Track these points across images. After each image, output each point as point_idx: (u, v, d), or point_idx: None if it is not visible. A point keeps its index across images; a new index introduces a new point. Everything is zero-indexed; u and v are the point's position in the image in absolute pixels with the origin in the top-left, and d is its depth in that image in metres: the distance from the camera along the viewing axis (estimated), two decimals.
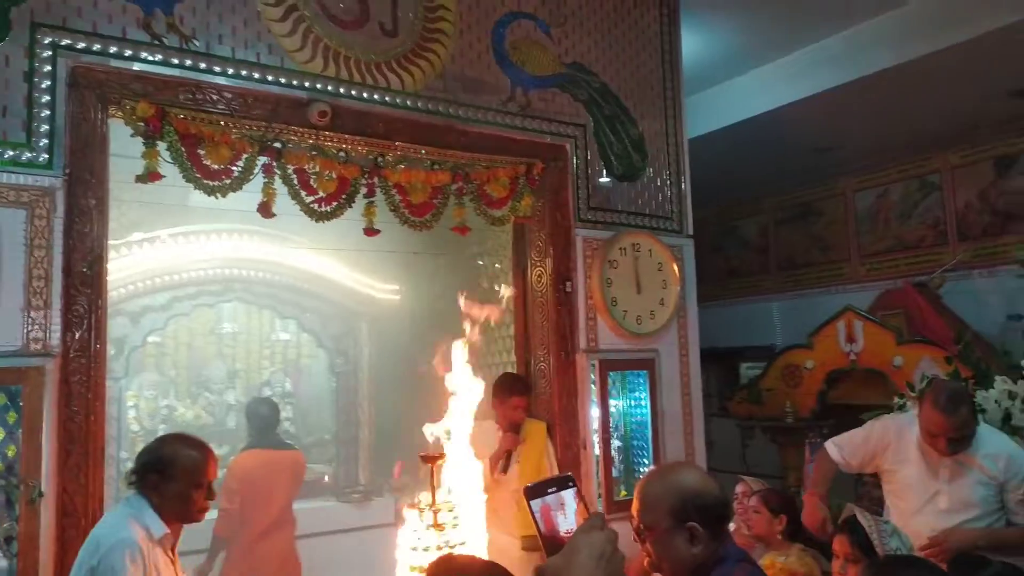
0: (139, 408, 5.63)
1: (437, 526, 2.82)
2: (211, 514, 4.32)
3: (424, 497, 2.87)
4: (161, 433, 4.19)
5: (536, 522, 1.48)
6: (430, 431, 2.90)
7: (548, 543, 1.45)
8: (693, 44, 5.29)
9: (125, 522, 2.42)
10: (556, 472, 4.13)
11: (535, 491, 1.50)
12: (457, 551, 2.76)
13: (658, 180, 4.81)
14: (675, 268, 4.68)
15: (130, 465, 2.69)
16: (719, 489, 1.82)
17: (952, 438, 3.12)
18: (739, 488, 3.90)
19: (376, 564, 4.55)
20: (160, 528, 2.48)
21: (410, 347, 5.92)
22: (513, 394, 4.08)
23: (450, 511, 2.87)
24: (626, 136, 4.69)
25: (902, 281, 6.88)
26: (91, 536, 2.46)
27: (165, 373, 5.90)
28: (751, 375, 7.08)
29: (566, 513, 1.50)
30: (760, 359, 7.33)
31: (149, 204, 4.74)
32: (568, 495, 1.51)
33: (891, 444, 3.39)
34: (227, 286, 5.59)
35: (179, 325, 5.70)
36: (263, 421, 4.60)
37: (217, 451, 5.90)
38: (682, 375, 4.74)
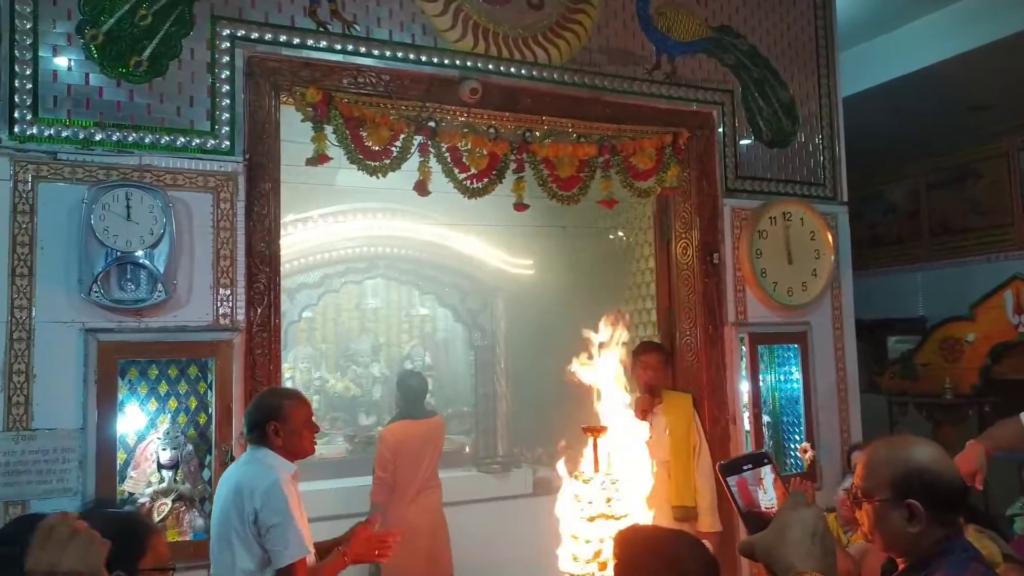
0: (295, 380, 5.96)
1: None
2: (367, 480, 4.62)
3: (586, 469, 2.89)
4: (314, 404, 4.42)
5: (733, 497, 1.46)
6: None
7: (749, 518, 1.43)
8: None
9: (264, 467, 2.62)
10: (704, 444, 4.09)
11: (731, 468, 1.48)
12: (624, 523, 2.78)
13: (810, 145, 4.61)
14: (828, 237, 4.48)
15: None
16: (957, 473, 1.65)
17: None
18: None
19: (516, 533, 4.69)
20: (290, 466, 2.68)
21: (545, 321, 5.95)
22: (646, 352, 4.07)
23: (613, 483, 2.89)
24: (776, 100, 4.51)
25: None
26: (237, 487, 2.59)
27: (316, 347, 6.22)
28: (901, 349, 6.71)
29: (764, 488, 1.47)
30: (910, 332, 6.93)
31: (298, 186, 4.95)
32: (765, 471, 1.48)
33: None
34: (372, 263, 5.79)
35: (329, 301, 5.97)
36: (413, 393, 4.76)
37: (364, 421, 6.21)
38: (836, 349, 4.57)
